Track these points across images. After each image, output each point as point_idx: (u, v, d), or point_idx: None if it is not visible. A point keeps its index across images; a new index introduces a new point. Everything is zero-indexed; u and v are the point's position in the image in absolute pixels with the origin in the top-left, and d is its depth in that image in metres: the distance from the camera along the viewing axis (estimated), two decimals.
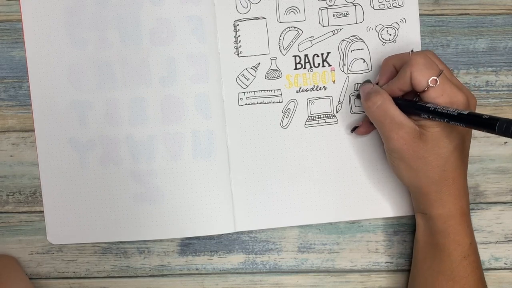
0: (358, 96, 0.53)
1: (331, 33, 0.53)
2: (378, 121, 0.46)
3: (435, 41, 0.54)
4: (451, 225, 0.47)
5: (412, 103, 0.45)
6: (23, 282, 0.50)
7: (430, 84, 0.44)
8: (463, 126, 0.40)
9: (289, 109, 0.54)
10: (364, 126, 0.52)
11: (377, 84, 0.50)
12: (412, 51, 0.49)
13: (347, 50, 0.53)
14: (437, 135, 0.44)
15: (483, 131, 0.38)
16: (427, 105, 0.43)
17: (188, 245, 0.55)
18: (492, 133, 0.37)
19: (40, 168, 0.54)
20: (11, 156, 0.55)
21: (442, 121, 0.43)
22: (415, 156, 0.45)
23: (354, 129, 0.53)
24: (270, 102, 0.54)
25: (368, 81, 0.52)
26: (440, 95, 0.44)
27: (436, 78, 0.44)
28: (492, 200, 0.55)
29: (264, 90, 0.53)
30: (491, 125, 0.37)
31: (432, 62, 0.45)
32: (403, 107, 0.46)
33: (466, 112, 0.40)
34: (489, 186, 0.55)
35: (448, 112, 0.41)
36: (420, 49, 0.53)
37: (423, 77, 0.44)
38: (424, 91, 0.44)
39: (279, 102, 0.54)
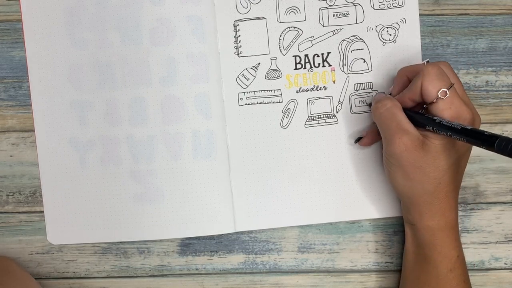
0: (370, 105, 0.53)
1: (331, 33, 0.53)
2: (384, 124, 0.46)
3: (435, 41, 0.54)
4: (439, 237, 0.47)
5: (418, 114, 0.46)
6: (25, 281, 0.50)
7: (439, 96, 0.44)
8: (464, 141, 0.40)
9: (289, 109, 0.54)
10: (368, 137, 0.52)
11: (390, 94, 0.50)
12: (427, 61, 0.49)
13: (347, 50, 0.53)
14: (439, 147, 0.44)
15: (483, 147, 0.38)
16: (433, 118, 0.44)
17: (188, 245, 0.55)
18: (491, 151, 0.37)
19: (40, 168, 0.54)
20: (11, 156, 0.55)
21: (445, 135, 0.43)
22: (413, 165, 0.45)
23: (358, 140, 0.53)
24: (270, 102, 0.54)
25: (381, 92, 0.53)
26: (447, 107, 0.43)
27: (446, 90, 0.44)
28: (492, 200, 0.55)
29: (264, 90, 0.53)
30: (491, 142, 0.37)
31: (444, 74, 0.45)
32: (410, 117, 0.46)
33: (469, 127, 0.40)
34: (489, 186, 0.55)
35: (452, 125, 0.42)
36: (420, 49, 0.53)
37: (433, 88, 0.44)
38: (432, 102, 0.44)
39: (279, 102, 0.54)
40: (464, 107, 0.44)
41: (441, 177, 0.45)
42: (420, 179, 0.45)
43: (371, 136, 0.52)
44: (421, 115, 0.45)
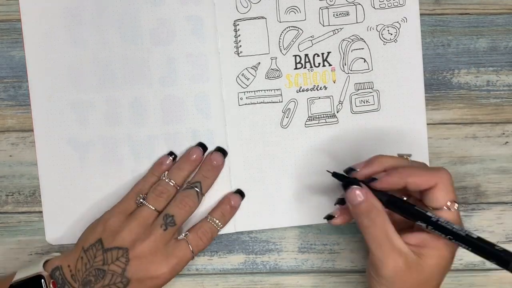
0: (335, 175, 0.47)
1: (331, 33, 0.53)
2: (375, 242, 0.42)
3: (435, 40, 0.54)
4: None
5: (411, 208, 0.42)
6: None
7: (450, 208, 0.41)
8: (469, 250, 0.38)
9: (289, 108, 0.53)
10: (341, 218, 0.48)
11: (355, 169, 0.45)
12: (410, 155, 0.45)
13: (347, 50, 0.53)
14: (434, 268, 0.42)
15: (493, 262, 0.37)
16: (431, 216, 0.40)
17: None
18: (504, 269, 0.36)
19: (39, 168, 0.54)
20: (10, 156, 0.55)
21: (441, 237, 0.40)
22: (405, 286, 0.42)
23: (329, 218, 0.48)
24: (270, 102, 0.53)
25: (352, 169, 0.46)
26: (456, 221, 0.41)
27: (456, 202, 0.42)
28: (493, 200, 0.55)
29: (264, 90, 0.53)
30: (505, 261, 0.36)
31: (453, 186, 0.42)
32: (395, 206, 0.43)
33: (475, 236, 0.38)
34: (490, 186, 0.55)
35: (454, 229, 0.39)
36: (421, 49, 0.53)
37: (445, 196, 0.41)
38: (435, 208, 0.42)
39: (279, 102, 0.53)
40: (459, 222, 0.42)
41: None
42: None
43: (344, 217, 0.48)
44: (413, 208, 0.42)
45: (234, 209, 0.52)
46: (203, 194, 0.51)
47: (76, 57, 0.53)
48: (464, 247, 0.39)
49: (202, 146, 0.52)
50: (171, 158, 0.52)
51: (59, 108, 0.53)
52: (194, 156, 0.52)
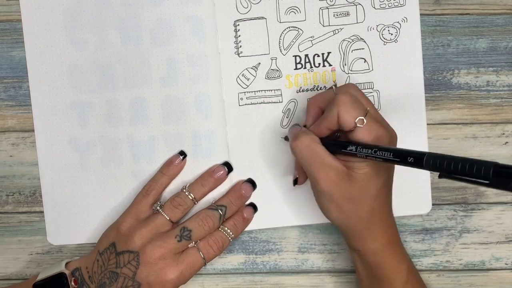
0: (286, 138, 0.53)
1: (331, 33, 0.53)
2: (306, 162, 0.45)
3: (435, 41, 0.54)
4: (385, 256, 0.47)
5: (339, 144, 0.45)
6: None
7: (357, 124, 0.43)
8: (392, 162, 0.40)
9: (289, 109, 0.54)
10: (301, 175, 0.52)
11: (304, 126, 0.49)
12: (335, 85, 0.48)
13: (347, 50, 0.53)
14: (365, 176, 0.44)
15: (412, 166, 0.38)
16: (349, 148, 0.43)
17: None
18: (421, 168, 0.37)
19: (40, 168, 0.54)
20: (11, 156, 0.55)
21: (370, 159, 0.42)
22: (344, 197, 0.45)
23: (295, 182, 0.52)
24: (270, 102, 0.53)
25: (296, 125, 0.52)
26: (367, 134, 0.43)
27: (363, 118, 0.43)
28: (493, 200, 0.55)
29: (264, 90, 0.53)
30: (420, 160, 0.37)
31: (358, 101, 0.44)
32: (330, 147, 0.45)
33: (393, 149, 0.40)
34: None
35: (376, 150, 0.41)
36: (421, 49, 0.53)
37: (351, 117, 0.43)
38: (351, 130, 0.44)
39: (279, 102, 0.53)
40: (381, 129, 0.44)
41: (373, 203, 0.45)
42: (353, 209, 0.45)
43: (303, 174, 0.51)
44: (342, 144, 0.44)
45: (246, 221, 0.52)
46: (225, 219, 0.51)
47: (76, 57, 0.53)
48: (380, 161, 0.41)
49: (228, 166, 0.53)
50: (181, 157, 0.52)
51: (60, 108, 0.53)
52: (219, 174, 0.52)
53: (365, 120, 0.43)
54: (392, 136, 0.45)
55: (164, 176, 0.52)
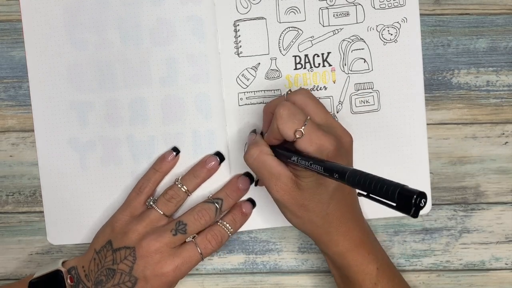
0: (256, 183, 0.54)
1: (331, 33, 0.53)
2: (257, 173, 0.46)
3: (435, 41, 0.54)
4: (350, 258, 0.47)
5: (286, 154, 0.45)
6: None
7: (296, 136, 0.43)
8: (323, 175, 0.40)
9: None
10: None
11: (261, 133, 0.50)
12: (289, 91, 0.49)
13: (347, 50, 0.53)
14: (312, 184, 0.44)
15: (338, 180, 0.38)
16: (292, 159, 0.43)
17: None
18: (344, 183, 0.37)
19: (39, 168, 0.54)
20: (11, 156, 0.55)
21: (308, 170, 0.42)
22: (296, 204, 0.45)
23: (256, 183, 0.53)
24: None
25: (253, 131, 0.52)
26: (308, 145, 0.43)
27: (301, 130, 0.43)
28: (493, 200, 0.55)
29: (264, 90, 0.53)
30: (342, 175, 0.37)
31: (295, 112, 0.44)
32: (280, 157, 0.46)
33: (322, 167, 0.40)
34: (489, 186, 0.55)
35: (310, 167, 0.41)
36: (420, 49, 0.53)
37: (288, 129, 0.43)
38: (293, 141, 0.44)
39: None
40: (324, 139, 0.43)
41: (326, 209, 0.45)
42: (307, 216, 0.45)
43: None
44: (286, 153, 0.45)
45: (245, 216, 0.52)
46: (221, 212, 0.51)
47: (76, 57, 0.53)
48: (315, 173, 0.41)
49: (219, 155, 0.53)
50: (174, 153, 0.52)
51: (59, 108, 0.53)
52: (211, 164, 0.52)
53: (303, 132, 0.43)
54: (340, 140, 0.45)
55: (157, 172, 0.52)
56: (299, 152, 0.43)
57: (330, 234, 0.46)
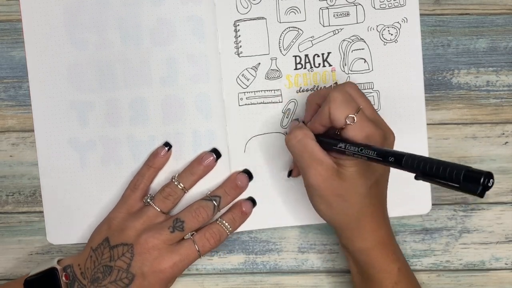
0: (289, 174, 0.54)
1: (331, 33, 0.53)
2: (298, 155, 0.46)
3: (435, 41, 0.54)
4: (374, 256, 0.47)
5: (331, 141, 0.45)
6: None
7: (347, 122, 0.43)
8: (375, 161, 0.40)
9: (289, 109, 0.54)
10: (295, 168, 0.52)
11: (303, 122, 0.50)
12: (335, 83, 0.49)
13: (347, 50, 0.53)
14: (354, 174, 0.44)
15: (393, 166, 0.39)
16: (339, 146, 0.43)
17: None
18: (400, 169, 0.38)
19: (39, 168, 0.54)
20: (11, 156, 0.55)
21: (359, 158, 0.42)
22: (333, 194, 0.45)
23: (289, 174, 0.53)
24: (270, 102, 0.53)
25: (295, 120, 0.53)
26: (358, 132, 0.43)
27: (353, 116, 0.43)
28: (493, 200, 0.55)
29: (264, 90, 0.53)
30: (399, 160, 0.38)
31: (350, 99, 0.44)
32: (323, 144, 0.45)
33: (375, 152, 0.40)
34: None
35: (360, 152, 0.41)
36: (420, 49, 0.53)
37: (341, 114, 0.43)
38: (342, 128, 0.44)
39: (279, 102, 0.53)
40: (373, 129, 0.43)
41: (362, 201, 0.45)
42: (342, 207, 0.45)
43: (297, 168, 0.51)
44: (331, 141, 0.45)
45: (245, 215, 0.52)
46: (219, 210, 0.51)
47: (76, 57, 0.53)
48: (365, 159, 0.41)
49: (216, 152, 0.53)
50: (166, 149, 0.52)
51: (60, 108, 0.53)
52: (207, 161, 0.52)
53: (355, 118, 0.43)
54: (386, 136, 0.45)
55: (150, 168, 0.52)
56: (345, 140, 0.43)
57: (360, 229, 0.46)
